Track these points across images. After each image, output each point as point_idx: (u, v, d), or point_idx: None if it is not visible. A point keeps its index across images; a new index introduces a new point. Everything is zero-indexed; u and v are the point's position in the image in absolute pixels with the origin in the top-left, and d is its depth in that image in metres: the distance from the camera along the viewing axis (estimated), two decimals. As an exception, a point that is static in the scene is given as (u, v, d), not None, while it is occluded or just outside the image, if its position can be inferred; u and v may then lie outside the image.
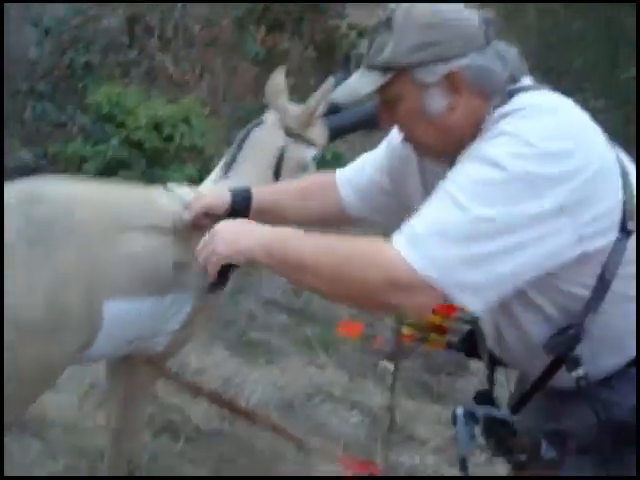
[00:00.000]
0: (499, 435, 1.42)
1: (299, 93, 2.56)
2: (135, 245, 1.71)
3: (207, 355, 3.43)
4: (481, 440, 1.42)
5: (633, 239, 1.32)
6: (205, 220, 1.77)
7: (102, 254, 1.63)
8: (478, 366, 3.17)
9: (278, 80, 2.19)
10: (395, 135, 1.61)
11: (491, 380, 1.58)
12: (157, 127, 4.00)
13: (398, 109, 1.41)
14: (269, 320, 3.95)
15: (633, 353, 1.38)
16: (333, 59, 5.89)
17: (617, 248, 1.30)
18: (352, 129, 2.25)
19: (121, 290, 1.68)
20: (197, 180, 3.00)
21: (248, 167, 2.08)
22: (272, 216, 1.74)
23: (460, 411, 1.40)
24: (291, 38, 5.67)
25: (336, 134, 2.31)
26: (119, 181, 2.62)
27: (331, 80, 2.10)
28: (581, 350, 1.35)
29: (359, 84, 1.40)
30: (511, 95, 1.35)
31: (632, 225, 1.31)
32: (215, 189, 1.96)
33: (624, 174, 1.33)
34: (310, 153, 2.16)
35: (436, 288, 1.23)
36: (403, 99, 1.39)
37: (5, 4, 5.20)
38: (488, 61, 1.35)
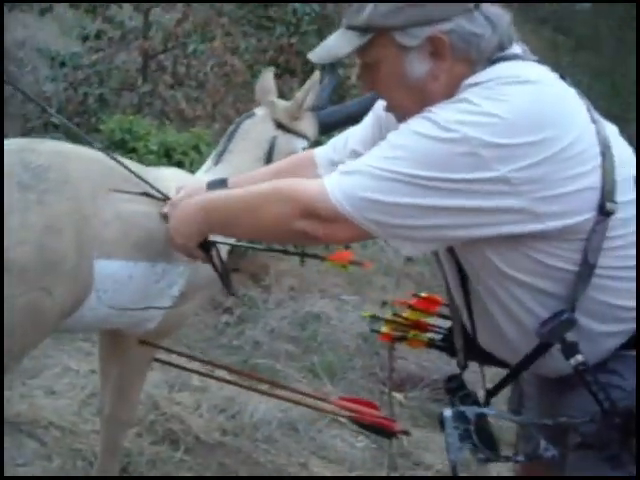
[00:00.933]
0: (493, 435, 1.34)
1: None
2: (127, 208, 1.71)
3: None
4: (474, 440, 1.30)
5: (615, 218, 1.28)
6: None
7: (92, 211, 1.64)
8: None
9: (267, 79, 2.29)
10: (380, 107, 1.59)
11: (463, 366, 1.55)
12: (167, 153, 4.02)
13: (378, 73, 1.37)
14: (274, 348, 3.89)
15: (630, 327, 1.33)
16: (343, 107, 5.96)
17: (598, 228, 1.27)
18: (342, 123, 2.31)
19: (111, 250, 1.67)
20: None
21: (238, 157, 2.13)
22: None
23: (448, 413, 1.31)
24: (301, 83, 5.75)
25: (326, 127, 2.35)
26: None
27: (317, 74, 2.18)
28: (577, 334, 1.30)
29: (337, 45, 1.36)
30: (493, 63, 1.31)
31: (611, 206, 1.27)
32: (204, 179, 1.96)
33: (605, 152, 1.29)
34: (300, 144, 2.21)
35: (353, 222, 1.27)
36: (383, 62, 1.35)
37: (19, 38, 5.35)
38: (475, 26, 1.30)
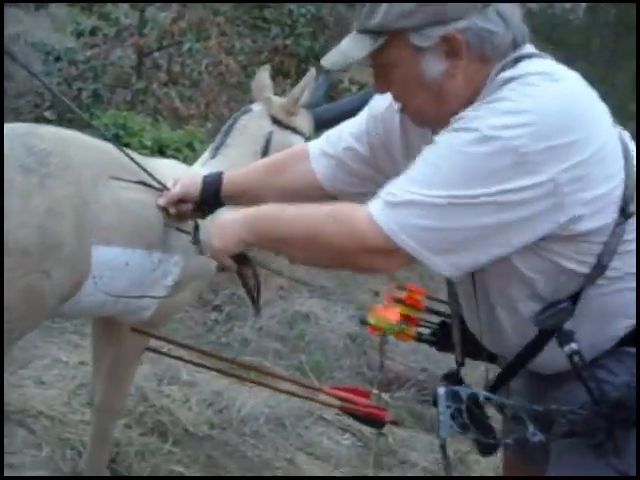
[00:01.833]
0: (483, 417, 1.35)
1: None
2: (126, 195, 1.73)
3: (198, 371, 3.37)
4: (465, 419, 1.32)
5: (632, 221, 1.30)
6: (180, 206, 1.80)
7: (93, 197, 1.65)
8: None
9: (263, 76, 2.33)
10: (376, 103, 1.58)
11: (461, 362, 1.55)
12: (161, 150, 4.05)
13: (393, 75, 1.34)
14: (263, 346, 3.91)
15: (621, 333, 1.36)
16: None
17: (617, 230, 1.28)
18: (338, 120, 2.35)
19: (109, 237, 1.69)
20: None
21: (235, 151, 2.16)
22: (246, 197, 1.74)
23: (442, 390, 1.32)
24: (294, 84, 5.78)
25: (322, 124, 2.38)
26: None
27: (313, 71, 2.21)
28: (573, 326, 1.32)
29: (350, 49, 1.33)
30: (517, 61, 1.30)
31: (632, 208, 1.29)
32: (200, 171, 1.98)
33: (626, 154, 1.31)
34: (296, 140, 2.23)
35: (407, 252, 1.24)
36: (398, 65, 1.32)
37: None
38: (489, 23, 1.28)
